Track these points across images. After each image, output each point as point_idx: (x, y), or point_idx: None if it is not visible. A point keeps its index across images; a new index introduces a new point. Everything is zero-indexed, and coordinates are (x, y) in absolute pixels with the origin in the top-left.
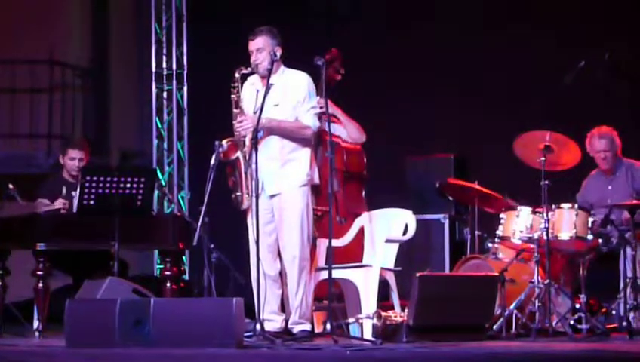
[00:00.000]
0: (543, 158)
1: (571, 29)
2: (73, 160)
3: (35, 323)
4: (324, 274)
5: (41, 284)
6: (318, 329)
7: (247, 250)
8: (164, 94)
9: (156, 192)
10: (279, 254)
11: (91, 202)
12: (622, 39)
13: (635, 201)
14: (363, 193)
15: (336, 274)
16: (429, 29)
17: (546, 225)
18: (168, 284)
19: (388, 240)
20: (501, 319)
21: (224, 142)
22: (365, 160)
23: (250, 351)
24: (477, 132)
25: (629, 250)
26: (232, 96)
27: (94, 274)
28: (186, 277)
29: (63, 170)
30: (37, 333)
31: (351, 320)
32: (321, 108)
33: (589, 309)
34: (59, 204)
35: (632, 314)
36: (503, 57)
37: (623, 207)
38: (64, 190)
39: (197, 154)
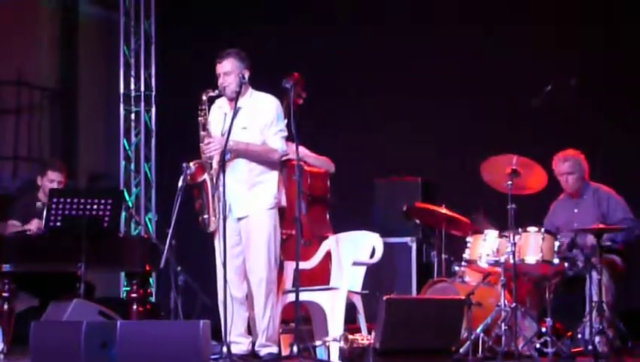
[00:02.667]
0: (510, 182)
1: (541, 52)
2: (52, 182)
3: (0, 345)
4: (291, 297)
5: (6, 306)
6: (285, 352)
7: (214, 272)
8: (132, 116)
9: (123, 214)
10: (246, 277)
11: (58, 223)
12: (593, 66)
13: (600, 225)
14: (327, 216)
15: (303, 296)
16: (396, 52)
17: (513, 249)
18: (135, 306)
19: (355, 263)
20: (468, 342)
21: (191, 164)
22: (329, 183)
23: None
24: (444, 155)
25: (594, 274)
26: (200, 118)
27: (60, 296)
28: (153, 299)
29: (40, 191)
30: (1, 355)
31: (318, 343)
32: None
33: (555, 333)
34: (34, 224)
35: (597, 338)
36: (472, 80)
37: (588, 231)
38: (38, 204)
39: (164, 176)
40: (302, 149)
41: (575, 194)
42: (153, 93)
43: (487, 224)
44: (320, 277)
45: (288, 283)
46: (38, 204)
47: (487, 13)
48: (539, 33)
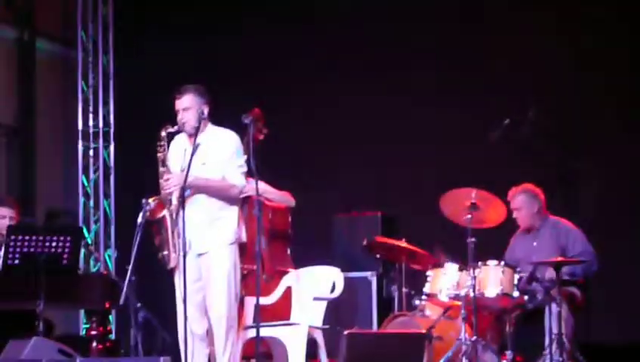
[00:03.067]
0: (469, 216)
1: (497, 86)
2: (4, 218)
3: None
4: (251, 333)
5: None
6: None
7: (174, 308)
8: (91, 152)
9: (82, 251)
10: (206, 312)
11: (16, 261)
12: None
13: (559, 258)
14: (288, 251)
15: (264, 332)
16: (355, 89)
17: (473, 282)
18: (94, 344)
19: (316, 298)
20: None
21: (151, 200)
22: (290, 218)
23: None
24: (404, 190)
25: (554, 306)
26: (159, 154)
27: (19, 334)
28: (113, 336)
29: None
30: None
31: None
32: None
33: None
34: None
35: None
36: (430, 115)
37: (547, 264)
38: None
39: (124, 212)
40: (262, 185)
41: (531, 228)
42: (112, 130)
43: (445, 257)
44: (281, 312)
45: (249, 319)
46: None
47: (441, 49)
48: (495, 67)
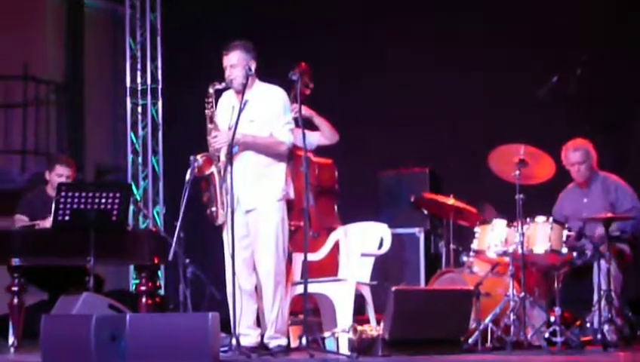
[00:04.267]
0: (518, 172)
1: (545, 43)
2: (61, 176)
3: (11, 339)
4: (299, 289)
5: (16, 300)
6: (294, 344)
7: (222, 264)
8: (139, 109)
9: (131, 207)
10: (255, 269)
11: (66, 218)
12: (595, 56)
13: (609, 214)
14: (335, 207)
15: (312, 288)
16: (403, 44)
17: (521, 239)
18: (144, 299)
19: (363, 255)
20: (476, 332)
21: (199, 157)
22: (337, 174)
23: None
24: (452, 146)
25: (603, 262)
26: (206, 111)
27: (70, 290)
28: (162, 292)
29: (48, 185)
30: (12, 349)
31: (327, 334)
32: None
33: (563, 322)
34: (47, 223)
35: (606, 327)
36: (478, 71)
37: (597, 220)
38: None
39: (172, 169)
40: (310, 111)
41: (584, 183)
42: (160, 86)
43: (494, 214)
44: (328, 268)
45: (297, 275)
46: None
47: (490, 3)
48: (543, 23)
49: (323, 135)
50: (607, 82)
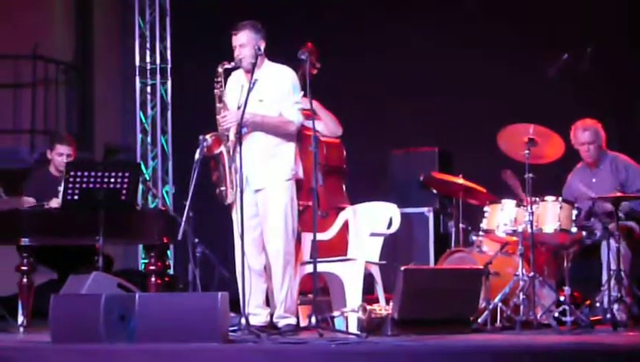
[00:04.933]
0: (527, 151)
1: (555, 19)
2: (61, 155)
3: (20, 319)
4: (308, 268)
5: (25, 280)
6: (303, 323)
7: (231, 244)
8: (148, 89)
9: (140, 187)
10: (264, 248)
11: (75, 197)
12: (606, 35)
13: (618, 194)
14: (344, 187)
15: (321, 267)
16: (409, 23)
17: (530, 218)
18: (153, 279)
19: (372, 234)
20: (486, 312)
21: (208, 136)
22: (345, 153)
23: (236, 346)
24: (460, 125)
25: (612, 242)
26: (216, 90)
27: (79, 269)
28: (171, 271)
29: (50, 164)
30: (21, 329)
31: (336, 313)
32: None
33: (573, 301)
34: (54, 203)
35: (615, 306)
36: (487, 51)
37: (606, 200)
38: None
39: (181, 148)
40: (315, 103)
41: (593, 163)
42: (169, 66)
43: (516, 181)
44: (337, 248)
45: (306, 255)
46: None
47: None
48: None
49: (326, 127)
50: (618, 62)
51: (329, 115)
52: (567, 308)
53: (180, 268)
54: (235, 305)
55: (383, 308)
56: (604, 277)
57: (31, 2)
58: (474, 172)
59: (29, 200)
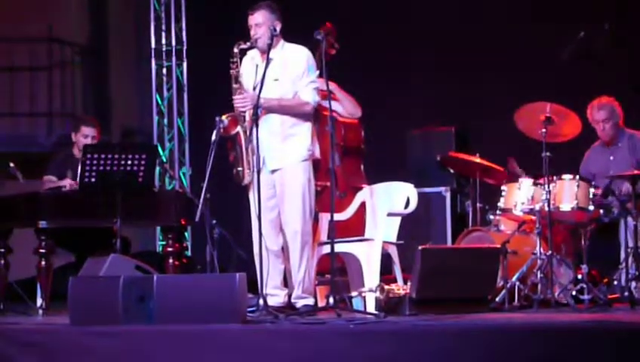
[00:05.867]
0: (544, 130)
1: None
2: (86, 137)
3: (39, 301)
4: (326, 249)
5: (43, 262)
6: (321, 304)
7: (249, 225)
8: (164, 70)
9: (157, 169)
10: (281, 229)
11: (92, 179)
12: (620, 12)
13: (636, 171)
14: (362, 167)
15: (339, 248)
16: (428, 3)
17: (548, 197)
18: (171, 261)
19: (390, 214)
20: (503, 291)
21: (224, 117)
22: (363, 134)
23: (254, 326)
24: (477, 104)
25: (630, 220)
26: (232, 71)
27: (97, 252)
28: (189, 253)
29: (74, 146)
30: (40, 311)
31: (354, 293)
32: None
33: (591, 280)
34: (67, 181)
35: (633, 284)
36: (502, 30)
37: (624, 178)
38: (69, 173)
39: (197, 130)
40: (333, 86)
41: (610, 141)
42: (184, 47)
43: (519, 170)
44: (355, 228)
45: (323, 235)
46: (68, 171)
47: None
48: None
49: (345, 109)
50: (636, 40)
51: (347, 97)
52: (584, 286)
53: (198, 249)
54: (253, 286)
55: (400, 287)
56: (622, 255)
57: None
58: (491, 151)
59: (51, 179)
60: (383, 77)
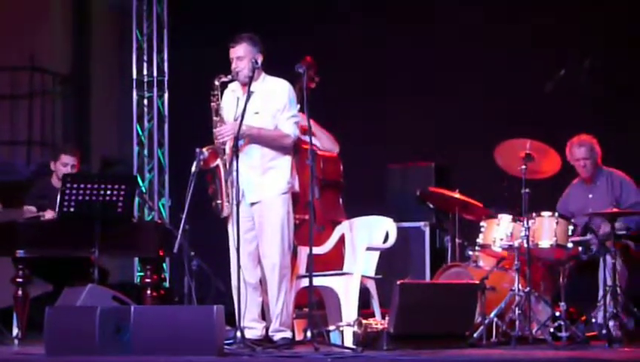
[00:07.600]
0: (524, 166)
1: (548, 33)
2: (66, 166)
3: (15, 331)
4: (304, 282)
5: (20, 292)
6: (298, 337)
7: (227, 257)
8: (145, 101)
9: (137, 199)
10: (260, 262)
11: (71, 209)
12: (597, 42)
13: (614, 210)
14: (340, 201)
15: (317, 281)
16: (405, 36)
17: (527, 233)
18: (149, 292)
19: (369, 248)
20: (481, 327)
21: (205, 149)
22: (342, 168)
23: (231, 359)
24: (457, 140)
25: (608, 258)
26: (212, 104)
27: (74, 282)
28: (167, 284)
29: (53, 175)
30: (16, 341)
31: (332, 327)
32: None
33: (569, 317)
34: (49, 214)
35: (611, 322)
36: (483, 64)
37: (602, 215)
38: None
39: (178, 161)
40: (311, 122)
41: (589, 179)
42: (166, 78)
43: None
44: (333, 262)
45: (302, 269)
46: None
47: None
48: (562, 9)
49: (323, 146)
50: (614, 78)
51: (325, 133)
52: (562, 323)
53: (176, 281)
54: (231, 319)
55: (378, 322)
56: (600, 293)
57: (29, 14)
58: (470, 187)
59: (30, 209)
60: (362, 110)
